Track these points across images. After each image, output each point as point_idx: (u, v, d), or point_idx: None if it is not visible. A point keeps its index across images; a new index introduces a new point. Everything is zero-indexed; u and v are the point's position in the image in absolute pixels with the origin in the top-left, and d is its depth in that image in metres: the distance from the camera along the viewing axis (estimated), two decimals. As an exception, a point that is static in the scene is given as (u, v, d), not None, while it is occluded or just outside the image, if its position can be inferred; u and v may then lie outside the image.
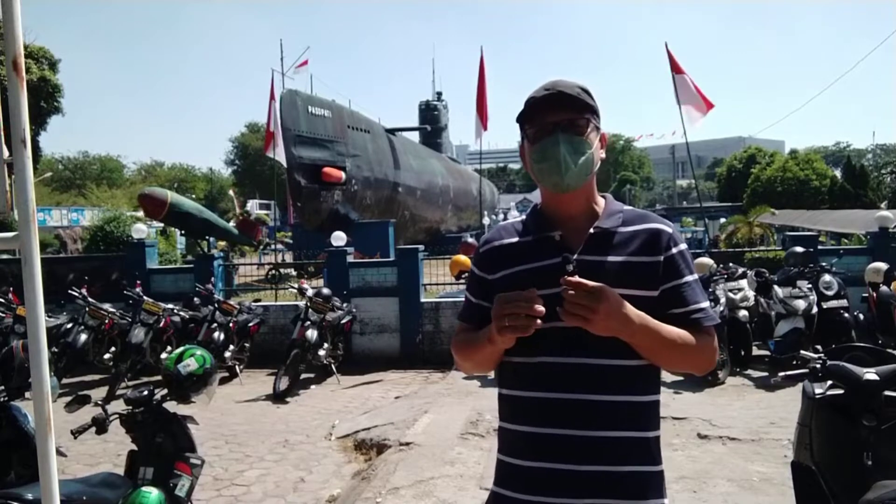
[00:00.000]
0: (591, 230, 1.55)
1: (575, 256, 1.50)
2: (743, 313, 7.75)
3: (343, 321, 8.99)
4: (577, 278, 1.39)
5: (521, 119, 1.58)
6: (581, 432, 1.47)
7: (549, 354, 1.49)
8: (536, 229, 1.61)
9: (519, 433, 1.55)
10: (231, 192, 34.00)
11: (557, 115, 1.52)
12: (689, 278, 1.55)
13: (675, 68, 13.27)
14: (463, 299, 1.75)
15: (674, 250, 1.55)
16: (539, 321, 1.38)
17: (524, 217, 1.70)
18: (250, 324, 9.25)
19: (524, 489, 1.51)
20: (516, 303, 1.39)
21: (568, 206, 1.59)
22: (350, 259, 10.39)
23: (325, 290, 8.68)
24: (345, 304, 9.35)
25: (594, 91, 1.60)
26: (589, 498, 1.46)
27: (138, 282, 9.36)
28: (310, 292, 8.44)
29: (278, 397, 7.64)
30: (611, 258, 1.52)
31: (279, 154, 18.63)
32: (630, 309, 1.41)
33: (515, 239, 1.63)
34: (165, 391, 3.11)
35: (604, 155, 1.61)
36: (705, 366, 1.57)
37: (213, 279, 10.12)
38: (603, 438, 1.47)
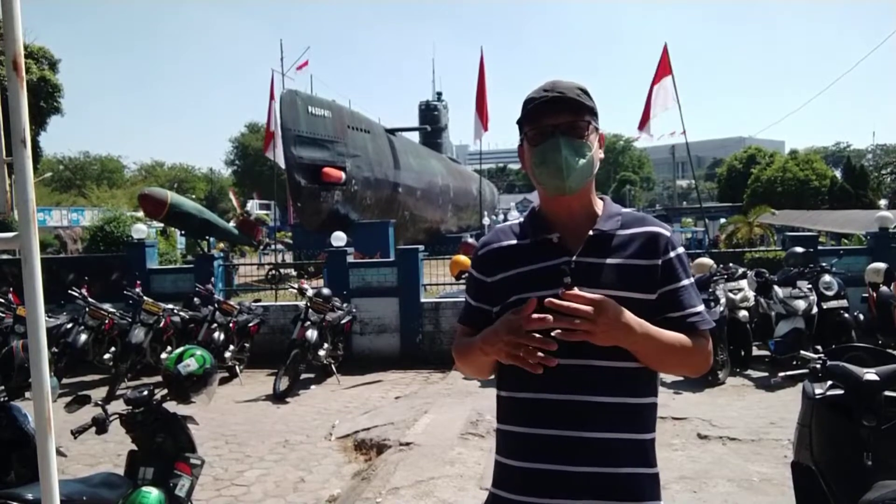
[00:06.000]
0: (591, 232, 1.55)
1: (574, 258, 1.51)
2: (743, 313, 7.74)
3: (343, 321, 8.99)
4: (576, 290, 1.38)
5: (521, 121, 1.58)
6: (577, 433, 1.47)
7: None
8: (534, 231, 1.60)
9: (516, 434, 1.55)
10: (231, 194, 33.96)
11: (557, 117, 1.52)
12: (685, 282, 1.55)
13: (666, 71, 13.39)
14: (463, 299, 1.75)
15: (672, 254, 1.55)
16: (554, 360, 1.38)
17: (522, 219, 1.69)
18: (250, 324, 9.25)
19: (521, 490, 1.52)
20: (530, 337, 1.38)
21: (566, 208, 1.59)
22: (350, 259, 10.39)
23: (325, 290, 8.68)
24: (345, 305, 9.35)
25: (595, 90, 1.60)
26: (585, 499, 1.47)
27: (138, 282, 9.36)
28: (310, 292, 8.45)
29: (278, 397, 7.64)
30: (609, 261, 1.52)
31: (278, 155, 18.64)
32: (631, 317, 1.41)
33: (514, 241, 1.62)
34: (165, 391, 3.11)
35: (602, 155, 1.62)
36: (700, 368, 1.58)
37: (213, 279, 10.12)
38: (599, 440, 1.47)
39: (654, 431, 1.56)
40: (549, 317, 1.35)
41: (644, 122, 14.15)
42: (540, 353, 1.38)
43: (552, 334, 1.36)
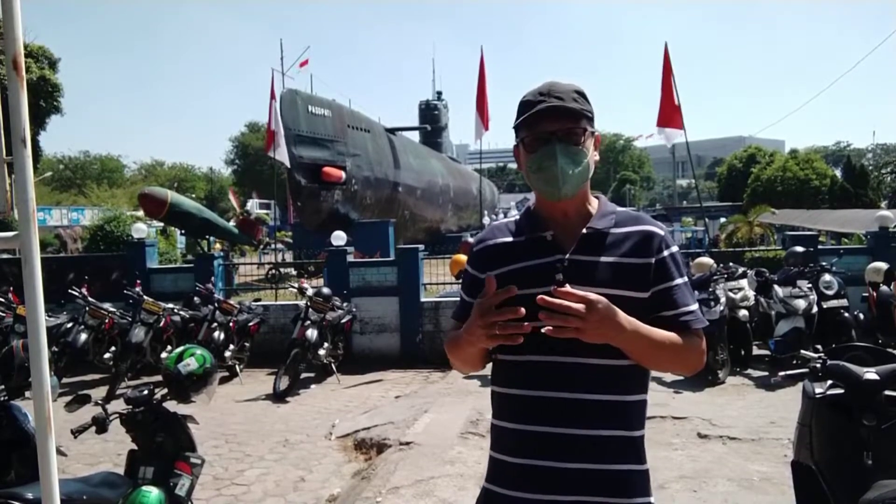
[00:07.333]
0: (584, 230, 1.56)
1: (567, 256, 1.52)
2: (743, 313, 7.75)
3: (343, 321, 9.00)
4: (567, 288, 1.39)
5: (517, 124, 1.59)
6: (568, 430, 1.49)
7: (538, 353, 1.50)
8: (529, 229, 1.62)
9: (509, 430, 1.57)
10: (231, 194, 33.93)
11: (554, 124, 1.52)
12: (679, 281, 1.56)
13: (668, 71, 13.22)
14: None
15: (665, 253, 1.56)
16: (526, 324, 1.38)
17: (518, 217, 1.71)
18: (250, 323, 9.25)
19: (513, 486, 1.53)
20: (500, 312, 1.40)
21: (561, 207, 1.60)
22: (350, 259, 10.39)
23: (325, 290, 8.68)
24: (345, 304, 9.35)
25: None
26: (576, 495, 1.48)
27: (138, 281, 9.36)
28: (310, 292, 8.45)
29: (278, 397, 7.64)
30: (603, 259, 1.53)
31: (281, 154, 18.64)
32: (622, 316, 1.41)
33: (509, 238, 1.64)
34: (165, 391, 3.12)
35: (597, 158, 1.63)
36: (693, 367, 1.58)
37: (213, 279, 10.12)
38: (589, 437, 1.49)
39: (644, 428, 1.57)
40: (514, 286, 1.39)
41: (675, 119, 13.15)
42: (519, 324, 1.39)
43: (542, 331, 1.37)
